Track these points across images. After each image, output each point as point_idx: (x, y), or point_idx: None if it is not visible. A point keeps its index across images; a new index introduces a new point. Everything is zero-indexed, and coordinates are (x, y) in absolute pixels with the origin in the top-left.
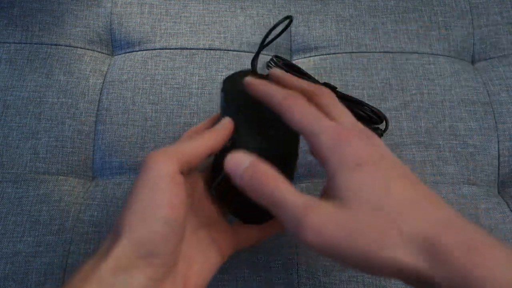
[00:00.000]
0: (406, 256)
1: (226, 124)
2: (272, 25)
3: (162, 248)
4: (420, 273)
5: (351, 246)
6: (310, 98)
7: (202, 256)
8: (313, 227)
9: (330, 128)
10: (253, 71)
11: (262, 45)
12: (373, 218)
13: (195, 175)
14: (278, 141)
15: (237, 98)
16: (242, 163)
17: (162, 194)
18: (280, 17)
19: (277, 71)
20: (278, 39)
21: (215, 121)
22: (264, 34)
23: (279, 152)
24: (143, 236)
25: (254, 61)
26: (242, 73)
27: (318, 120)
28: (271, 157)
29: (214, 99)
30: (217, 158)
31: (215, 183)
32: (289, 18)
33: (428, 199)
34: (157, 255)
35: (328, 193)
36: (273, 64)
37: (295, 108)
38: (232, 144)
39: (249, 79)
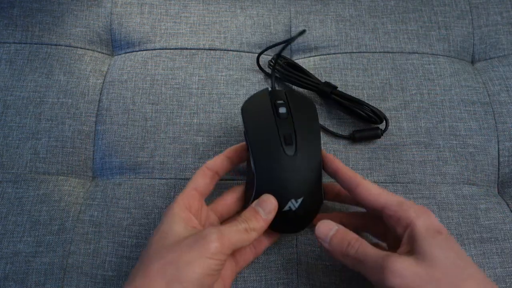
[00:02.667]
0: None
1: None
2: (270, 25)
3: None
4: None
5: None
6: None
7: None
8: (396, 270)
9: (408, 201)
10: (272, 90)
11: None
12: (448, 278)
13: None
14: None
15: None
16: (330, 230)
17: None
18: (280, 17)
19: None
20: (278, 39)
21: (236, 152)
22: (263, 34)
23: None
24: None
25: (272, 77)
26: (259, 94)
27: (393, 194)
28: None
29: (214, 99)
30: (248, 177)
31: (251, 201)
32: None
33: (481, 276)
34: None
35: (404, 251)
36: (274, 62)
37: (372, 185)
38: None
39: (330, 161)
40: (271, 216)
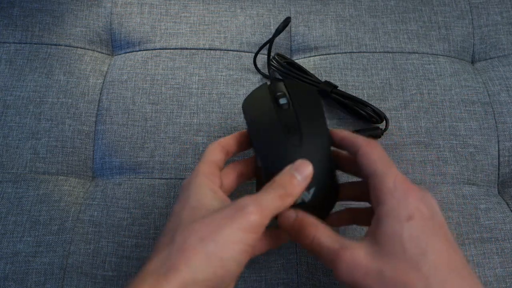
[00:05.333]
0: None
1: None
2: (270, 25)
3: (224, 284)
4: None
5: None
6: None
7: None
8: (344, 266)
9: (398, 175)
10: (270, 83)
11: (270, 45)
12: (403, 271)
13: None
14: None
15: (259, 122)
16: (290, 217)
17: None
18: (280, 17)
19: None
20: (278, 39)
21: (244, 136)
22: (263, 34)
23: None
24: (208, 276)
25: (269, 71)
26: (259, 89)
27: (390, 165)
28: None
29: (214, 99)
30: (257, 168)
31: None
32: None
33: (460, 270)
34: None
35: (370, 235)
36: (275, 62)
37: (375, 150)
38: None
39: (337, 132)
40: (307, 181)
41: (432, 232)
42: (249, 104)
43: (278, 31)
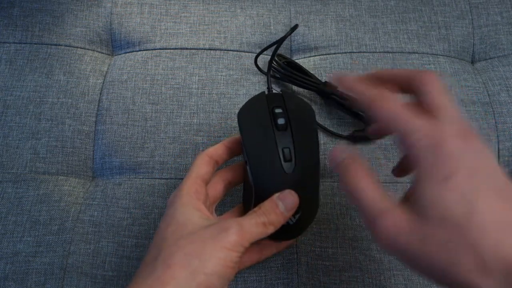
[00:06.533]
0: (484, 284)
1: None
2: (270, 25)
3: None
4: None
5: (422, 260)
6: (408, 85)
7: None
8: (384, 232)
9: (423, 128)
10: (268, 94)
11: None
12: (449, 238)
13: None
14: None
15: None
16: (340, 155)
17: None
18: (280, 17)
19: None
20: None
21: (235, 143)
22: (263, 34)
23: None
24: None
25: (268, 79)
26: (256, 100)
27: (410, 118)
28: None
29: (214, 99)
30: (246, 182)
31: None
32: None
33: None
34: None
35: (411, 198)
36: (275, 63)
37: (386, 106)
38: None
39: (338, 75)
40: (290, 213)
41: (477, 188)
42: (245, 118)
43: (284, 38)
